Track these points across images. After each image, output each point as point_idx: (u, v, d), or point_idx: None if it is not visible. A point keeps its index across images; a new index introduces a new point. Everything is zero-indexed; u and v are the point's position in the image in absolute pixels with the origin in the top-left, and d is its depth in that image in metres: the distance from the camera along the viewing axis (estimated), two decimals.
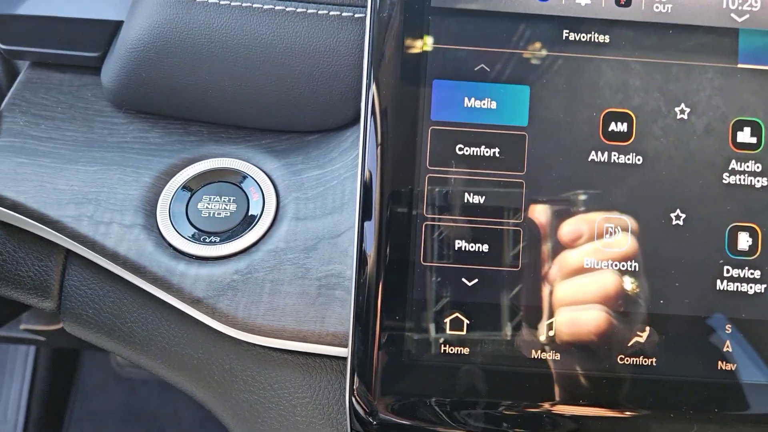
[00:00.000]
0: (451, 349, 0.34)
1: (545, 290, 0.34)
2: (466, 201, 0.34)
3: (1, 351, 0.95)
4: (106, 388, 0.99)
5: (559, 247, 0.34)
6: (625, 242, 0.34)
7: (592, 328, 0.34)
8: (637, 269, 0.34)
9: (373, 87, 0.35)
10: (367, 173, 0.34)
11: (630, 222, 0.34)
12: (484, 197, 0.34)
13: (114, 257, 0.38)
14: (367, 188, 0.34)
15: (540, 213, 0.34)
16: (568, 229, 0.34)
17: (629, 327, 0.34)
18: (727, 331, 0.34)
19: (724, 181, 0.34)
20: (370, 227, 0.34)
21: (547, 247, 0.34)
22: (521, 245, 0.34)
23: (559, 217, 0.34)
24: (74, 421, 0.97)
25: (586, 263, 0.34)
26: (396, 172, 0.34)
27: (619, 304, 0.34)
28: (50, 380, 0.95)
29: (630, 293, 0.34)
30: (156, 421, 0.97)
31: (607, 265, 0.34)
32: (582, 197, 0.34)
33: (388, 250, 0.34)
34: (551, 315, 0.34)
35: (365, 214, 0.34)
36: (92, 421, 0.98)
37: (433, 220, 0.34)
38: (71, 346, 0.92)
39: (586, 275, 0.34)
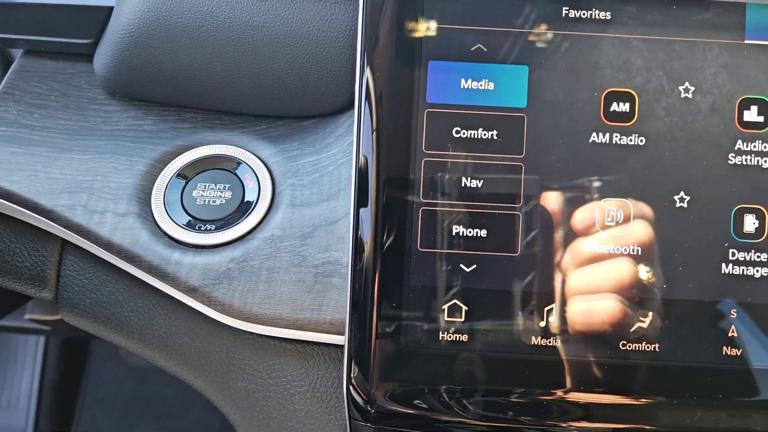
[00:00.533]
0: (450, 336, 0.33)
1: (545, 276, 0.33)
2: (463, 185, 0.33)
3: (12, 340, 0.96)
4: (116, 375, 1.00)
5: (559, 232, 0.33)
6: (627, 226, 0.33)
7: (594, 314, 0.33)
8: (639, 253, 0.33)
9: (367, 69, 0.34)
10: (362, 159, 0.34)
11: (632, 205, 0.33)
12: (481, 181, 0.33)
13: (108, 246, 0.38)
14: (362, 174, 0.34)
15: (539, 197, 0.33)
16: (568, 213, 0.33)
17: (631, 312, 0.33)
18: (732, 316, 0.33)
19: (729, 161, 0.33)
20: (366, 213, 0.34)
21: (547, 232, 0.33)
22: (520, 230, 0.33)
23: (559, 201, 0.33)
24: (85, 409, 0.98)
25: (587, 248, 0.33)
26: (391, 156, 0.33)
27: (621, 290, 0.33)
28: (61, 369, 0.96)
29: (632, 278, 0.33)
30: (166, 407, 0.98)
31: (610, 250, 0.33)
32: (583, 180, 0.33)
33: (384, 236, 0.33)
34: (552, 301, 0.33)
35: (361, 200, 0.34)
36: (103, 409, 0.98)
37: (429, 205, 0.34)
38: (77, 336, 0.93)
39: (588, 260, 0.33)
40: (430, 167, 0.34)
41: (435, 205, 0.34)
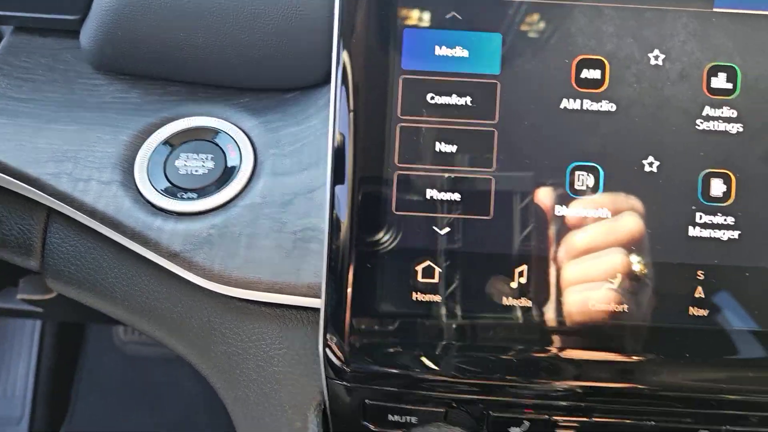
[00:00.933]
0: (423, 297, 0.34)
1: (517, 238, 0.34)
2: (438, 150, 0.34)
3: (8, 328, 0.97)
4: (111, 363, 1.00)
5: (530, 196, 0.34)
6: (597, 190, 0.34)
7: (564, 275, 0.34)
8: (609, 216, 0.34)
9: (344, 36, 0.35)
10: (339, 122, 0.34)
11: (602, 169, 0.34)
12: (455, 146, 0.34)
13: (92, 213, 0.39)
14: (339, 137, 0.34)
15: (512, 161, 0.34)
16: (539, 177, 0.34)
17: (601, 273, 0.34)
18: (699, 278, 0.34)
19: (698, 127, 0.34)
20: (343, 176, 0.34)
21: (518, 196, 0.34)
22: (493, 193, 0.34)
23: (531, 165, 0.34)
24: (81, 397, 0.99)
25: (557, 211, 0.34)
26: (368, 121, 0.34)
27: (591, 251, 0.34)
28: (56, 357, 0.97)
29: (601, 240, 0.34)
30: (159, 395, 0.99)
31: (580, 214, 0.34)
32: (554, 145, 0.34)
33: (360, 199, 0.34)
34: (523, 262, 0.34)
35: (338, 162, 0.34)
36: (98, 396, 0.99)
37: (404, 169, 0.34)
38: (70, 319, 0.93)
39: (559, 223, 0.34)
40: (405, 132, 0.34)
41: (410, 169, 0.34)
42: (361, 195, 0.34)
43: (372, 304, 0.34)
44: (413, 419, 0.36)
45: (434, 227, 0.34)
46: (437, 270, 0.34)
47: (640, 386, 0.34)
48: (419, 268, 0.34)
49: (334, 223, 0.34)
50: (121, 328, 1.03)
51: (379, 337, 0.34)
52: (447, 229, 0.34)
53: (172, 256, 0.38)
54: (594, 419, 0.35)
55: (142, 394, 0.99)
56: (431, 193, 0.34)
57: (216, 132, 0.41)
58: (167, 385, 0.99)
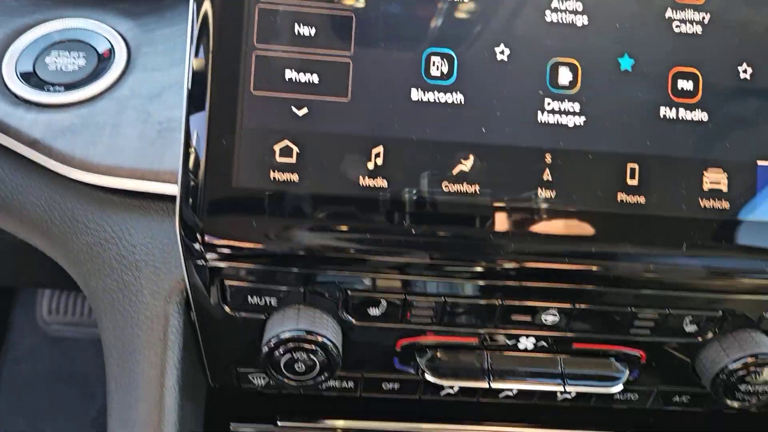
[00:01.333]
0: (281, 176, 0.34)
1: (373, 120, 0.35)
2: (296, 32, 0.35)
3: None
4: (37, 351, 0.96)
5: (386, 79, 0.35)
6: (451, 75, 0.35)
7: (417, 155, 0.35)
8: (462, 103, 0.35)
9: None
10: (198, 2, 0.35)
11: (456, 55, 0.35)
12: (314, 28, 0.35)
13: None
14: (198, 20, 0.35)
15: (369, 45, 0.35)
16: (395, 62, 0.35)
17: (452, 154, 0.35)
18: (546, 161, 0.35)
19: (546, 18, 0.36)
20: (201, 60, 0.34)
21: (374, 79, 0.35)
22: (350, 76, 0.35)
23: (387, 49, 0.35)
24: (4, 385, 0.95)
25: (413, 96, 0.35)
26: (227, 3, 0.35)
27: (442, 132, 0.35)
28: None
29: (451, 122, 0.35)
30: (88, 383, 0.95)
31: (434, 99, 0.35)
32: (409, 30, 0.35)
33: (218, 78, 0.34)
34: (379, 143, 0.35)
35: (198, 42, 0.34)
36: (24, 385, 0.95)
37: (263, 50, 0.35)
38: None
39: (412, 105, 0.35)
40: (263, 14, 0.35)
41: (268, 50, 0.35)
42: (219, 73, 0.34)
43: (228, 182, 0.34)
44: (273, 301, 0.36)
45: (292, 107, 0.35)
46: (295, 150, 0.35)
47: (483, 262, 0.35)
48: (277, 148, 0.35)
49: (192, 100, 0.34)
50: (45, 307, 0.99)
51: (235, 216, 0.34)
52: (305, 110, 0.35)
53: (32, 143, 0.37)
54: (446, 299, 0.36)
55: (70, 382, 0.95)
56: (289, 74, 0.35)
57: (90, 32, 0.41)
58: (97, 373, 0.95)
